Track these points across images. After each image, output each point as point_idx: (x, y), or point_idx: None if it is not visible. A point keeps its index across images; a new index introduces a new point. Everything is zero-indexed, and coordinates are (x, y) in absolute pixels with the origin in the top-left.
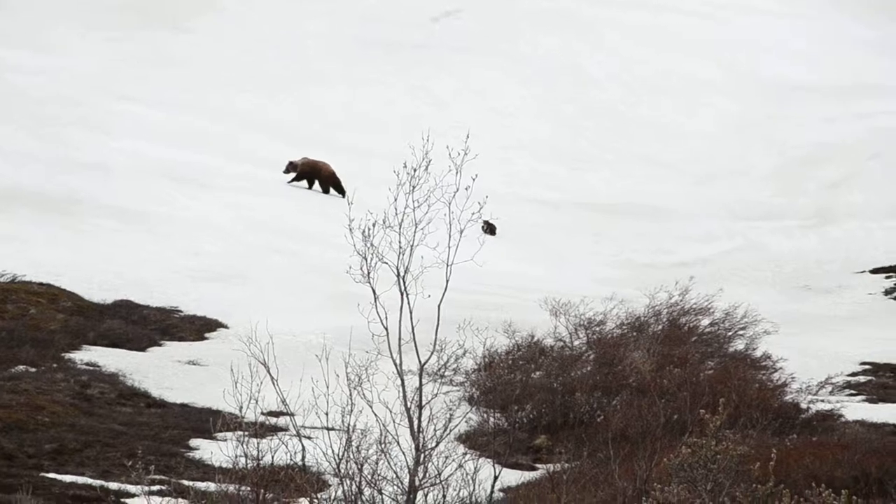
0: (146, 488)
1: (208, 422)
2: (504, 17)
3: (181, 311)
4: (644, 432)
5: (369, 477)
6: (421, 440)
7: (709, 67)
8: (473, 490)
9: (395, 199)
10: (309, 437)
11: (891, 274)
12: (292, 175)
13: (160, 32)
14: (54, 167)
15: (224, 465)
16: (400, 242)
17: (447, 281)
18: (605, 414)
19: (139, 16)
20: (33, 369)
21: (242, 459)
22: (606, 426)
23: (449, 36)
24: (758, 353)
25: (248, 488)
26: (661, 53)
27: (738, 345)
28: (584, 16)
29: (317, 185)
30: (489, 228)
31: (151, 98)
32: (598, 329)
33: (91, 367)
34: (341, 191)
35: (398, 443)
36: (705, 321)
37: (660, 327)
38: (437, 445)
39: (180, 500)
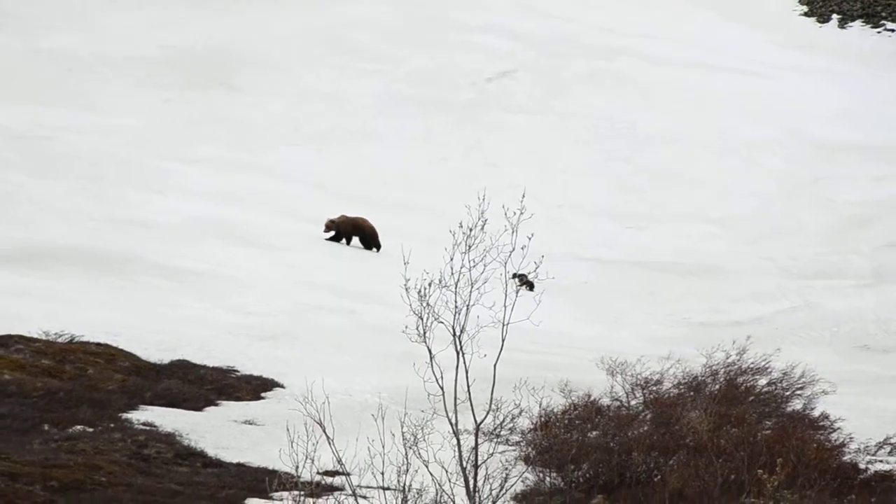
0: None
1: (264, 481)
2: (558, 77)
3: (237, 371)
4: (702, 492)
5: None
6: (477, 500)
7: (758, 126)
8: None
9: (451, 259)
10: (365, 497)
11: None
12: (331, 234)
13: (210, 90)
14: (106, 225)
15: None
16: (456, 302)
17: (503, 340)
18: (662, 474)
19: (189, 74)
20: (91, 429)
21: None
22: (663, 486)
23: (503, 95)
24: (816, 413)
25: None
26: (713, 112)
27: (796, 405)
28: (638, 76)
29: (355, 240)
30: (525, 283)
31: (202, 156)
32: (654, 388)
33: (148, 427)
34: (378, 245)
35: (454, 503)
36: (763, 381)
37: (717, 387)
38: None
39: None
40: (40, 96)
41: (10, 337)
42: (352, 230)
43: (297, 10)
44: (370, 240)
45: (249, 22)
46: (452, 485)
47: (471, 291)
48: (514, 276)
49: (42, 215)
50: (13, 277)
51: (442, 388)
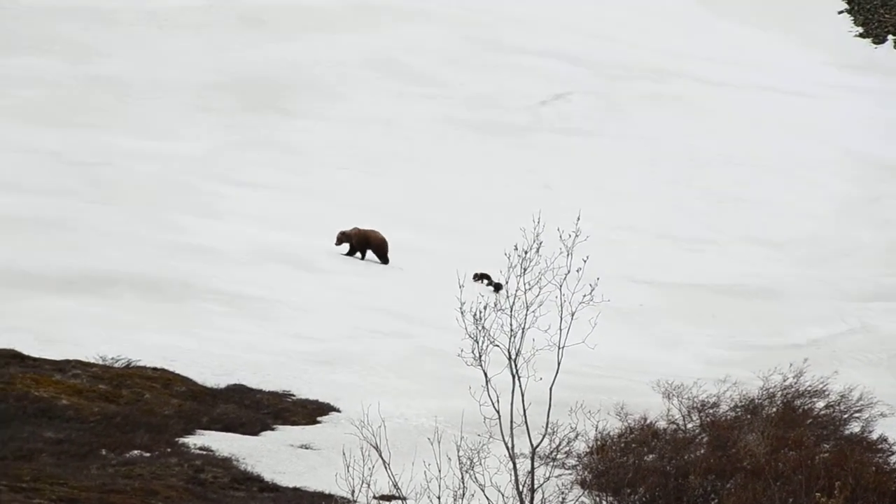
0: None
1: None
2: (614, 100)
3: (294, 395)
4: None
5: None
6: None
7: (816, 147)
8: None
9: (507, 282)
10: None
11: None
12: (346, 247)
13: (266, 115)
14: (161, 251)
15: None
16: (511, 325)
17: (559, 363)
18: (719, 497)
19: (245, 98)
20: (147, 454)
21: None
22: None
23: (558, 118)
24: (874, 436)
25: None
26: (770, 134)
27: (854, 427)
28: (695, 97)
29: (370, 254)
30: (490, 283)
31: (258, 180)
32: (711, 411)
33: (204, 452)
34: (385, 260)
35: None
36: (820, 403)
37: (774, 409)
38: None
39: None
40: (97, 122)
41: (67, 362)
42: (364, 243)
43: (353, 34)
44: (375, 252)
45: (305, 46)
46: None
47: (526, 314)
48: (479, 276)
49: (100, 241)
50: (71, 303)
51: (498, 412)
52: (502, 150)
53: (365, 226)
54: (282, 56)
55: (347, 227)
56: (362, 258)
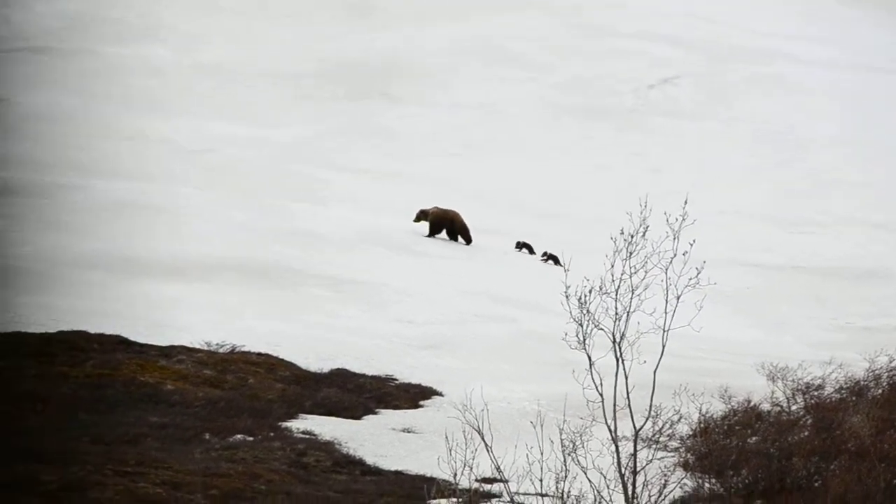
0: None
1: (423, 489)
2: (719, 83)
3: (396, 380)
4: (864, 497)
5: None
6: None
7: None
8: None
9: (612, 266)
10: None
11: None
12: (426, 224)
13: (367, 101)
14: (266, 237)
15: None
16: (616, 309)
17: (663, 347)
18: (823, 479)
19: (346, 85)
20: (251, 438)
21: None
22: (825, 491)
23: (663, 101)
24: None
25: None
26: (876, 115)
27: None
28: (800, 79)
29: (443, 233)
30: (551, 257)
31: (360, 166)
32: (816, 393)
33: (307, 436)
34: (468, 239)
35: None
36: None
37: (880, 391)
38: None
39: None
40: (202, 110)
41: (173, 348)
42: (440, 221)
43: (453, 21)
44: (460, 232)
45: (406, 33)
46: (611, 492)
47: (631, 298)
48: (520, 245)
49: (205, 227)
50: (177, 289)
51: (601, 395)
52: (607, 134)
53: (445, 205)
54: (385, 43)
55: (427, 206)
56: (434, 235)
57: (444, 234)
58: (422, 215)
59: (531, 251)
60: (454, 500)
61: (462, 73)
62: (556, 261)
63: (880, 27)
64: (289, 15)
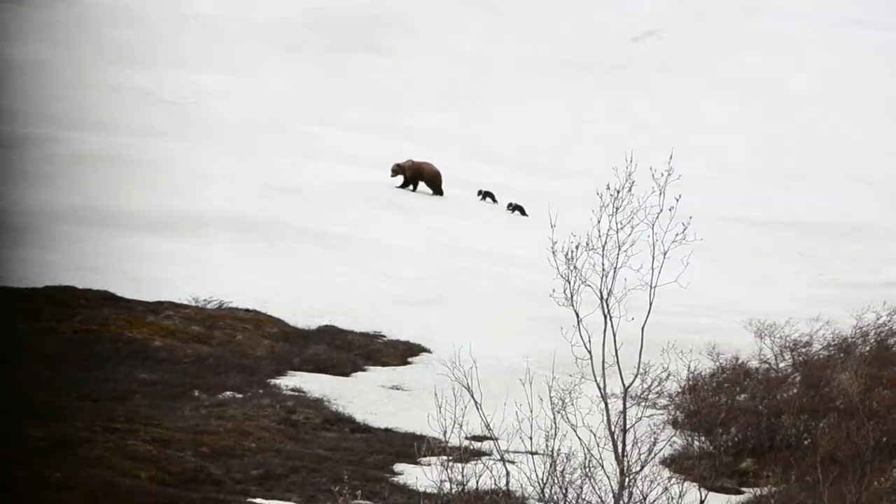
0: None
1: (412, 447)
2: (706, 37)
3: (385, 336)
4: (853, 455)
5: (574, 502)
6: (625, 464)
7: None
8: None
9: (598, 222)
10: (513, 462)
11: None
12: (400, 179)
13: (356, 54)
14: (252, 191)
15: (429, 491)
16: (603, 265)
17: (650, 303)
18: (812, 437)
19: (335, 37)
20: (240, 395)
21: (447, 484)
22: (814, 449)
23: (649, 56)
24: None
25: None
26: (863, 70)
27: None
28: (787, 34)
29: (422, 186)
30: (517, 208)
31: (348, 120)
32: (803, 350)
33: (296, 393)
34: (440, 191)
35: (602, 467)
36: None
37: (867, 348)
38: (641, 469)
39: None
40: (187, 62)
41: (160, 303)
42: (416, 174)
43: None
44: (431, 183)
45: None
46: (601, 449)
47: (618, 254)
48: (483, 193)
49: (191, 181)
50: (163, 244)
51: (590, 352)
52: (592, 87)
53: (419, 158)
54: None
55: (402, 160)
56: (414, 189)
57: (423, 186)
58: (397, 169)
59: (494, 200)
60: (444, 457)
61: (450, 27)
62: (522, 211)
63: None
64: None
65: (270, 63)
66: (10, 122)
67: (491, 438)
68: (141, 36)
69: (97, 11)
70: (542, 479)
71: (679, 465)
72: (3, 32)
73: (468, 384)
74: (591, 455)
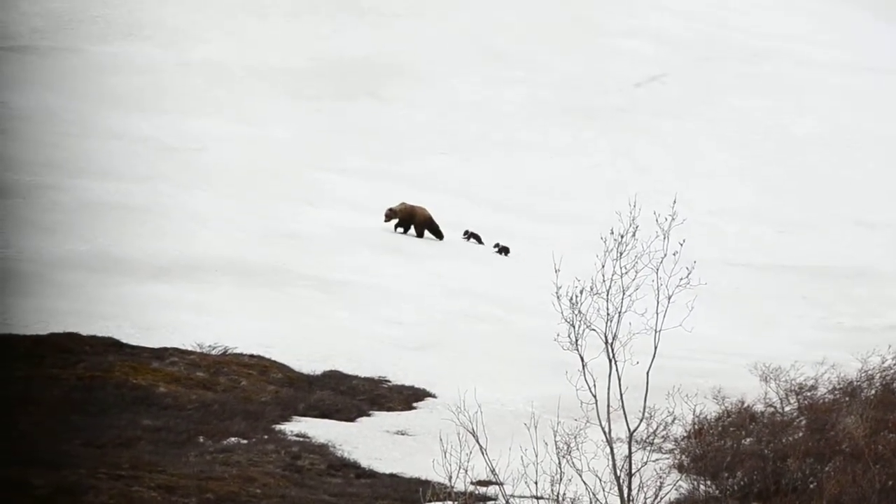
0: None
1: (418, 492)
2: (708, 81)
3: (389, 381)
4: (859, 499)
5: None
6: None
7: None
8: None
9: (603, 266)
10: None
11: None
12: (395, 222)
13: (358, 100)
14: (255, 237)
15: None
16: (608, 309)
17: (655, 347)
18: (818, 480)
19: (337, 84)
20: (245, 441)
21: None
22: (820, 493)
23: (652, 100)
24: None
25: None
26: (864, 113)
27: None
28: (788, 78)
29: (419, 229)
30: (502, 250)
31: (351, 166)
32: (809, 394)
33: (301, 439)
34: (439, 235)
35: None
36: None
37: (873, 392)
38: None
39: None
40: (190, 108)
41: (165, 349)
42: (409, 218)
43: (443, 19)
44: (422, 227)
45: (396, 32)
46: (606, 494)
47: (622, 298)
48: (468, 234)
49: (194, 228)
50: (168, 290)
51: (595, 397)
52: (595, 132)
53: (412, 202)
54: (374, 42)
55: (395, 204)
56: (405, 232)
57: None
58: (390, 213)
59: (479, 241)
60: (449, 502)
61: (451, 72)
62: (506, 252)
63: (871, 26)
64: (278, 12)
65: (273, 109)
66: (14, 170)
67: (496, 483)
68: (144, 83)
69: (101, 59)
70: None
71: None
72: (8, 81)
73: (473, 429)
74: (597, 500)
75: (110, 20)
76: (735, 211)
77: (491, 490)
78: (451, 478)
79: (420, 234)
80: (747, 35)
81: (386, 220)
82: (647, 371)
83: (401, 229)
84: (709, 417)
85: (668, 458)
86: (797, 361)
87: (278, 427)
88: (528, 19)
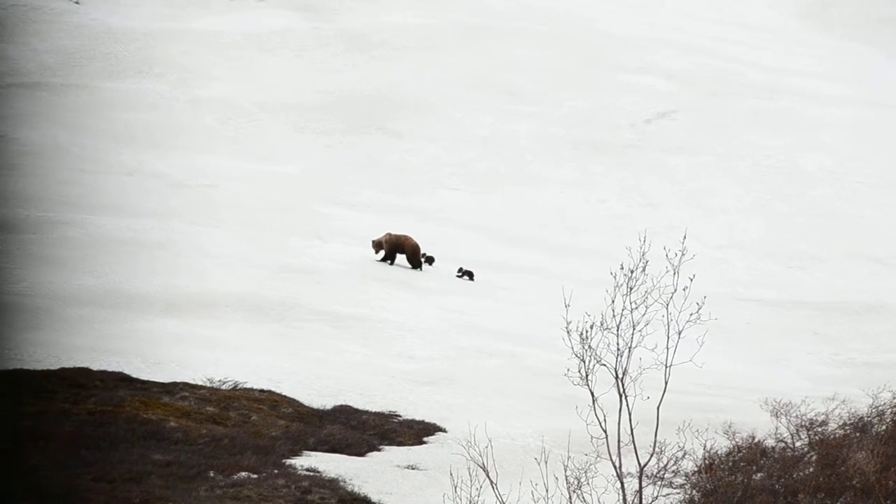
0: None
1: None
2: (718, 117)
3: (399, 416)
4: None
5: None
6: None
7: None
8: None
9: (613, 301)
10: None
11: None
12: (382, 254)
13: (369, 135)
14: (265, 272)
15: None
16: (618, 344)
17: (666, 382)
18: None
19: (347, 119)
20: (255, 476)
21: None
22: None
23: (662, 136)
24: None
25: None
26: (874, 149)
27: None
28: (799, 114)
29: (402, 259)
30: (465, 273)
31: (362, 200)
32: (819, 429)
33: (312, 473)
34: (418, 265)
35: None
36: None
37: (884, 427)
38: None
39: None
40: (201, 144)
41: (175, 384)
42: (393, 248)
43: (454, 54)
44: (411, 258)
45: (406, 67)
46: None
47: (632, 333)
48: (462, 272)
49: (205, 263)
50: (178, 325)
51: (605, 431)
52: (605, 167)
53: (397, 231)
54: (384, 77)
55: (379, 235)
56: (391, 263)
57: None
58: (376, 245)
59: (471, 278)
60: None
61: (463, 107)
62: (471, 276)
63: (877, 62)
64: (287, 48)
65: (283, 145)
66: (25, 206)
67: None
68: (155, 120)
69: (112, 96)
70: None
71: None
72: (19, 117)
73: (483, 463)
74: None
75: (120, 57)
76: (745, 246)
77: None
78: None
79: (417, 265)
80: (757, 70)
81: (375, 251)
82: (658, 406)
83: (388, 261)
84: (719, 452)
85: (678, 493)
86: (808, 397)
87: (288, 461)
88: (539, 54)
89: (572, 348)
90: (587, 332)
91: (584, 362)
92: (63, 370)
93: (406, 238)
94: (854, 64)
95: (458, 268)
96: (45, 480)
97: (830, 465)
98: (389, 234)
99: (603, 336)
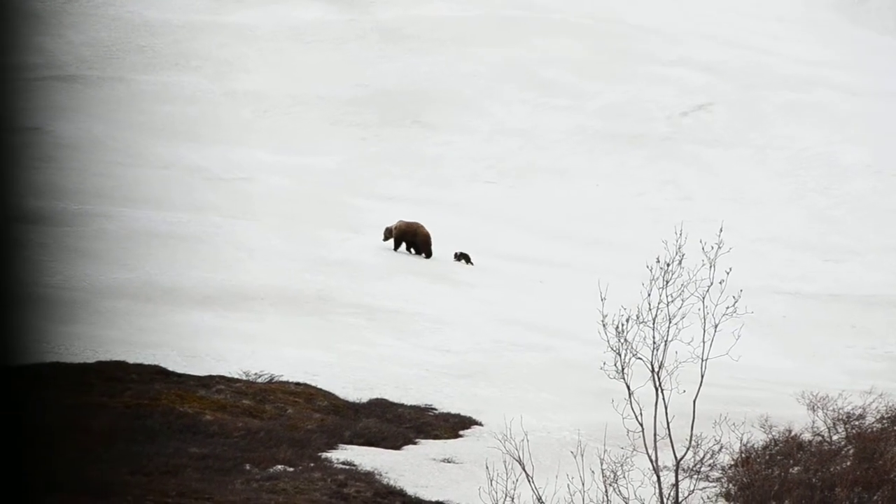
0: None
1: None
2: (755, 110)
3: (435, 409)
4: None
5: None
6: None
7: None
8: None
9: (649, 294)
10: None
11: None
12: (392, 242)
13: (404, 128)
14: (301, 265)
15: None
16: (654, 338)
17: (702, 376)
18: None
19: (382, 112)
20: (291, 469)
21: None
22: None
23: (698, 129)
24: None
25: None
26: None
27: None
28: (835, 106)
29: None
30: (462, 256)
31: (396, 193)
32: (857, 423)
33: (347, 467)
34: (429, 253)
35: None
36: None
37: None
38: None
39: None
40: (237, 138)
41: (211, 378)
42: (403, 235)
43: (489, 47)
44: (421, 247)
45: (442, 59)
46: None
47: (668, 327)
48: (459, 255)
49: (239, 256)
50: (214, 319)
51: (641, 425)
52: (642, 160)
53: (410, 219)
54: (420, 69)
55: (392, 223)
56: (395, 248)
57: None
58: (387, 233)
59: (468, 261)
60: None
61: (498, 100)
62: (468, 259)
63: None
64: (323, 41)
65: (319, 138)
66: (61, 199)
67: None
68: (192, 113)
69: (148, 89)
70: None
71: None
72: (55, 110)
73: (519, 457)
74: None
75: (157, 50)
76: (782, 239)
77: None
78: None
79: (428, 254)
80: (794, 63)
81: (385, 239)
82: (694, 399)
83: (401, 247)
84: (756, 446)
85: (714, 487)
86: (845, 390)
87: (324, 455)
88: (574, 46)
89: (608, 342)
90: (623, 325)
91: (620, 356)
92: (99, 363)
93: (418, 226)
94: (891, 57)
95: (454, 252)
96: (82, 473)
97: (868, 458)
98: (401, 222)
99: (639, 329)
